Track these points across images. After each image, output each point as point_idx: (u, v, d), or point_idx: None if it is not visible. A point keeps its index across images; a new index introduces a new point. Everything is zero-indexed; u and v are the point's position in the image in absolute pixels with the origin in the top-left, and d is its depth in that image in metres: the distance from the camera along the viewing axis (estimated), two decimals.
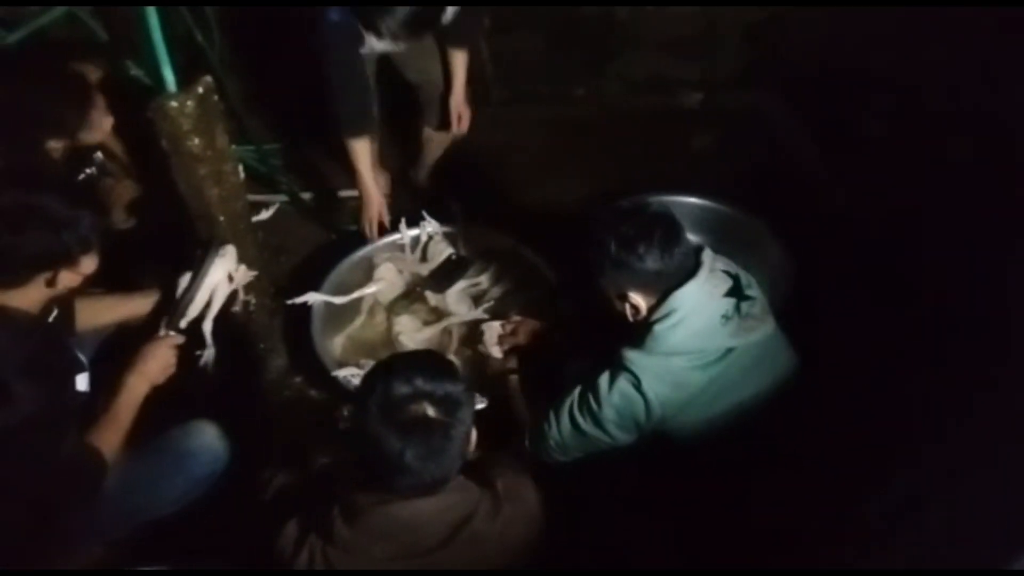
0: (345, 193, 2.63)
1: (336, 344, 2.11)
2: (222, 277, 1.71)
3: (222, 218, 1.82)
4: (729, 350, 1.43)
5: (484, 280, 2.21)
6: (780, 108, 2.94)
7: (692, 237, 1.53)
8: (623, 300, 1.46)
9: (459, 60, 2.28)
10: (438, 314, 2.17)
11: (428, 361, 1.23)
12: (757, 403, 1.49)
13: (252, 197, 2.43)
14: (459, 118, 2.36)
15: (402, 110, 2.54)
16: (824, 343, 1.66)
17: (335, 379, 1.90)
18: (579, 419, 1.52)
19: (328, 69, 2.01)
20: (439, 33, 2.16)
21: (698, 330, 1.40)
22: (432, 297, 2.16)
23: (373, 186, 2.21)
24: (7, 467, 1.33)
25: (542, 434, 1.58)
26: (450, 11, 2.05)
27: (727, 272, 1.46)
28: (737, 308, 1.43)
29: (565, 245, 2.10)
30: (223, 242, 1.76)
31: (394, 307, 2.19)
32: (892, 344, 1.74)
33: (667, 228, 1.41)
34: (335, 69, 2.01)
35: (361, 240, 2.26)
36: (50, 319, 1.49)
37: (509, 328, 1.93)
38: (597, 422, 1.49)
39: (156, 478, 1.55)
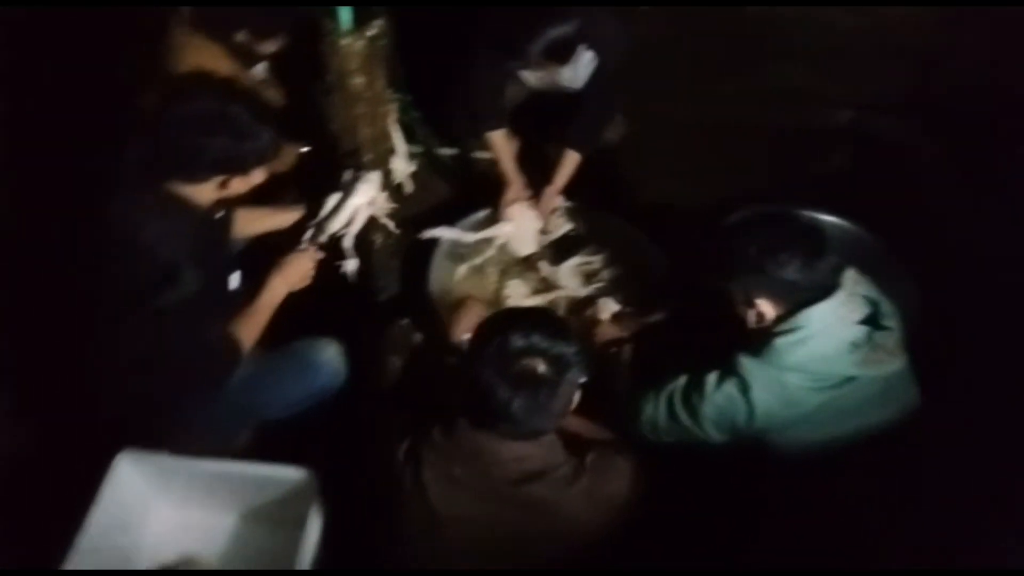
0: (479, 154, 2.70)
1: (448, 295, 2.19)
2: (365, 201, 1.82)
3: (370, 156, 1.93)
4: (850, 378, 1.39)
5: (598, 261, 2.23)
6: (929, 138, 2.80)
7: None
8: (749, 306, 1.44)
9: (570, 160, 2.26)
10: (547, 285, 2.22)
11: (547, 319, 1.30)
12: (868, 436, 1.45)
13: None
14: (546, 211, 2.29)
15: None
16: (950, 384, 1.59)
17: (443, 325, 1.98)
18: (678, 408, 1.53)
19: (475, 59, 2.09)
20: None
21: (822, 353, 1.37)
22: (545, 267, 2.21)
23: (514, 174, 2.27)
24: (161, 340, 1.48)
25: (638, 408, 1.60)
26: (583, 71, 2.06)
27: (867, 298, 1.42)
28: (869, 337, 1.39)
29: (681, 242, 2.11)
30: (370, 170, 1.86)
31: (508, 270, 2.24)
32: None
33: (814, 241, 1.38)
34: (481, 60, 2.09)
35: (490, 200, 2.32)
36: (217, 217, 1.63)
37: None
38: (695, 416, 1.50)
39: (278, 381, 1.70)
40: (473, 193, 2.55)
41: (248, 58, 2.01)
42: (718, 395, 1.46)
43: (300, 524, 1.58)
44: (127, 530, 1.72)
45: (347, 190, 1.83)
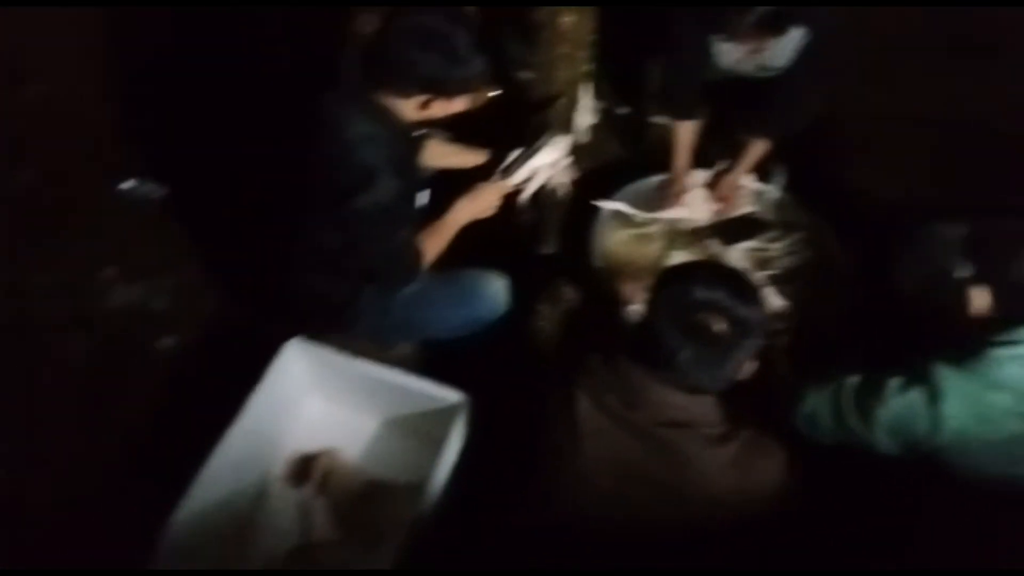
0: (658, 119, 2.62)
1: (609, 257, 2.15)
2: (548, 160, 1.83)
3: (563, 100, 1.92)
4: None
5: (775, 249, 2.11)
6: None
7: None
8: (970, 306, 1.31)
9: (758, 147, 2.12)
10: None
11: (737, 279, 1.23)
12: None
13: None
14: (723, 199, 2.18)
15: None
16: None
17: (600, 285, 1.95)
18: (846, 407, 1.42)
19: (674, 40, 2.01)
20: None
21: None
22: (714, 246, 2.12)
23: (684, 165, 2.19)
24: (351, 240, 1.56)
25: (800, 400, 1.51)
26: (789, 47, 1.90)
27: None
28: None
29: (876, 242, 1.95)
30: (560, 132, 1.87)
31: (676, 240, 2.17)
32: None
33: None
34: (679, 44, 2.00)
35: (662, 168, 2.26)
36: (413, 135, 1.67)
37: None
38: (867, 419, 1.38)
39: (444, 303, 1.75)
40: (645, 156, 2.48)
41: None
42: (899, 401, 1.34)
43: (441, 442, 1.63)
44: (281, 415, 1.83)
45: (535, 146, 1.84)
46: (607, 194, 2.18)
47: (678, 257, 2.13)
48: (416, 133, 1.66)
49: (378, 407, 1.86)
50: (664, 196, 2.21)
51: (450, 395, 1.68)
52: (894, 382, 1.37)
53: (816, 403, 1.48)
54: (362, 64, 1.52)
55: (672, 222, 2.20)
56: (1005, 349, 1.25)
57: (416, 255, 1.63)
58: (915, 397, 1.33)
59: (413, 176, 1.64)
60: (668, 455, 1.20)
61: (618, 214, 2.17)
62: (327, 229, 1.59)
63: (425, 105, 1.53)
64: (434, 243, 1.68)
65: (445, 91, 1.51)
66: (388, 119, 1.53)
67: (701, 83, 2.13)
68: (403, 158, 1.56)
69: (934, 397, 1.30)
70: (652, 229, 2.21)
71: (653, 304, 1.21)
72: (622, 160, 2.56)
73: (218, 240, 2.36)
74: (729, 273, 1.27)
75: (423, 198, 1.70)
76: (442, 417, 1.68)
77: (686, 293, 1.17)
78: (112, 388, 2.06)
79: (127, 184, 2.58)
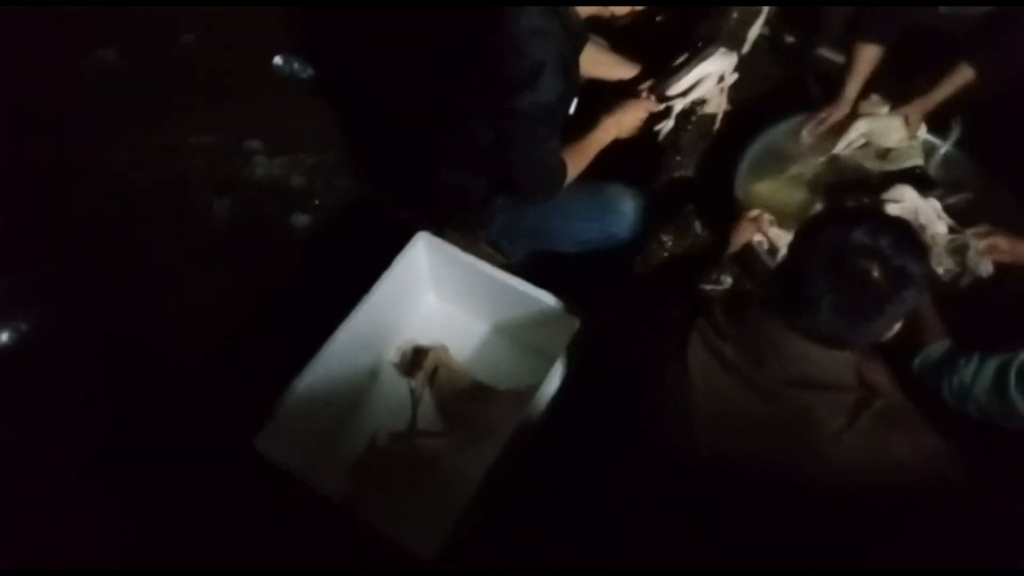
0: (826, 53, 2.40)
1: (745, 199, 2.02)
2: (715, 71, 1.70)
3: (735, 14, 1.77)
4: None
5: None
6: None
7: None
8: None
9: (959, 76, 1.84)
10: None
11: (903, 229, 1.10)
12: None
13: None
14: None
15: None
16: None
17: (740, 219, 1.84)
18: (1011, 381, 1.29)
19: None
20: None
21: None
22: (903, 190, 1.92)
23: (851, 96, 1.98)
24: (505, 141, 1.52)
25: (951, 364, 1.38)
26: None
27: None
28: None
29: None
30: (729, 45, 1.72)
31: (831, 191, 2.00)
32: None
33: None
34: None
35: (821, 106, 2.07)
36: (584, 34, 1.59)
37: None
38: None
39: (578, 215, 1.70)
40: (806, 92, 2.28)
41: None
42: None
43: (550, 356, 1.63)
44: (401, 304, 1.88)
45: (700, 56, 1.71)
46: (761, 127, 2.03)
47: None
48: (587, 34, 1.58)
49: (493, 312, 1.88)
50: (822, 128, 2.02)
51: (566, 311, 1.66)
52: None
53: (972, 376, 1.36)
54: None
55: (826, 166, 2.03)
56: None
57: (561, 169, 1.59)
58: None
59: (575, 79, 1.57)
60: (798, 420, 1.12)
61: (768, 152, 2.02)
62: (481, 125, 1.56)
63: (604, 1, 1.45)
64: (578, 159, 1.63)
65: None
66: (563, 14, 1.46)
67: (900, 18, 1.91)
68: (570, 58, 1.50)
69: None
70: (803, 172, 2.04)
71: (804, 245, 1.10)
72: (781, 92, 2.36)
73: (361, 125, 2.40)
74: (896, 222, 1.14)
75: (572, 106, 1.63)
76: (555, 332, 1.67)
77: (846, 237, 1.05)
78: (249, 256, 2.18)
79: (279, 59, 2.64)
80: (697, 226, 2.13)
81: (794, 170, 2.04)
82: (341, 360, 1.68)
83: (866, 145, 2.02)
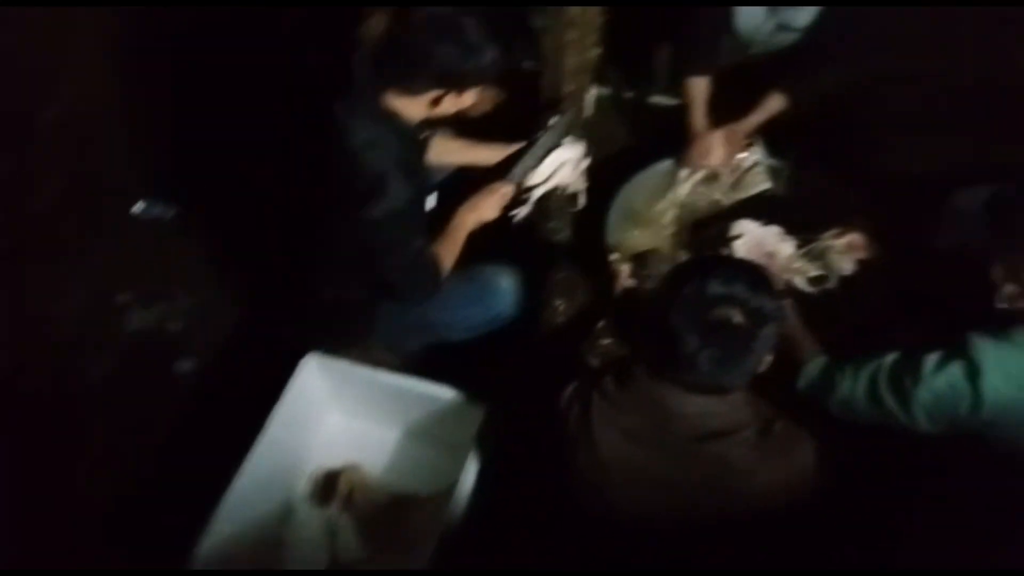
0: (659, 99, 2.56)
1: (624, 238, 2.09)
2: (569, 159, 1.77)
3: (568, 88, 1.86)
4: None
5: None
6: None
7: None
8: (1014, 282, 1.24)
9: (773, 102, 2.04)
10: None
11: (749, 269, 1.18)
12: None
13: None
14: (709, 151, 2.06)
15: None
16: None
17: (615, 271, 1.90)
18: (883, 389, 1.36)
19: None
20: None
21: None
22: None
23: (702, 123, 2.12)
24: (365, 252, 1.52)
25: (829, 380, 1.45)
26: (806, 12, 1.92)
27: None
28: None
29: (906, 210, 1.87)
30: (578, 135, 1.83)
31: (696, 228, 2.10)
32: None
33: None
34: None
35: (672, 150, 2.19)
36: (421, 137, 1.63)
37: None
38: (904, 401, 1.32)
39: (460, 303, 1.71)
40: (655, 141, 2.41)
41: None
42: (938, 379, 1.28)
43: (463, 449, 1.59)
44: (302, 433, 1.82)
45: (546, 143, 1.79)
46: (618, 183, 2.13)
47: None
48: (424, 135, 1.62)
49: (399, 417, 1.83)
50: (688, 159, 2.13)
51: (469, 400, 1.64)
52: (931, 360, 1.30)
53: (850, 388, 1.42)
54: (374, 65, 1.48)
55: (686, 206, 2.13)
56: None
57: (435, 266, 1.60)
58: (955, 374, 1.27)
59: (423, 179, 1.60)
60: (717, 470, 1.15)
61: (633, 201, 2.11)
62: (343, 239, 1.55)
63: (436, 101, 1.48)
64: (448, 251, 1.65)
65: (459, 83, 1.46)
66: (395, 122, 1.49)
67: (721, 39, 2.09)
68: (413, 161, 1.52)
69: (974, 373, 1.24)
70: (666, 215, 2.14)
71: (668, 305, 1.14)
72: (631, 147, 2.49)
73: (231, 258, 2.35)
74: (741, 264, 1.23)
75: (430, 201, 1.66)
76: (463, 424, 1.64)
77: (702, 289, 1.11)
78: (133, 413, 2.05)
79: (138, 206, 2.57)
80: (581, 286, 2.19)
81: (657, 212, 2.14)
82: (246, 508, 1.58)
83: (714, 178, 2.14)
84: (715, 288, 1.10)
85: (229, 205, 2.41)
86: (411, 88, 1.45)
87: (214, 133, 2.60)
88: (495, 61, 1.44)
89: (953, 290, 1.42)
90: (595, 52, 1.85)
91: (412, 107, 1.49)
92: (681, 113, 2.19)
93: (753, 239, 1.82)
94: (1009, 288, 1.25)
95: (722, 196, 2.12)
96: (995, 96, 2.44)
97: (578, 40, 1.74)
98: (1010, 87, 2.47)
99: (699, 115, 2.14)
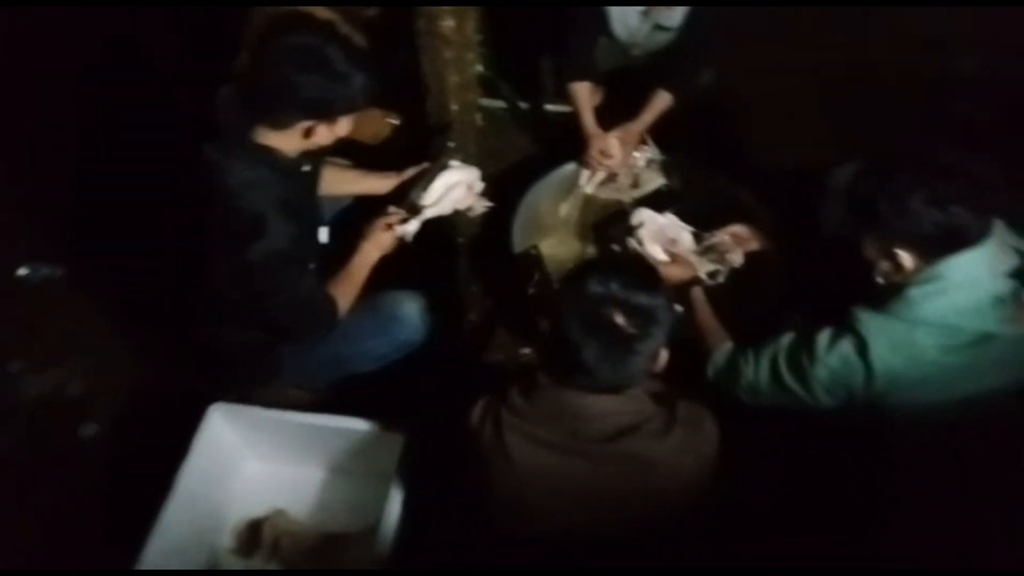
0: (552, 107, 2.60)
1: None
2: (461, 180, 1.76)
3: (455, 107, 1.85)
4: (987, 336, 1.24)
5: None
6: None
7: None
8: (885, 257, 1.30)
9: (659, 100, 2.14)
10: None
11: (630, 268, 1.20)
12: (1001, 398, 1.28)
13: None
14: (607, 152, 2.11)
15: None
16: None
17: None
18: (783, 370, 1.41)
19: (564, 8, 2.06)
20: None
21: (961, 306, 1.23)
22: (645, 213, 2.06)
23: (593, 126, 2.18)
24: (252, 294, 1.47)
25: (735, 369, 1.49)
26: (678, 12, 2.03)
27: (1018, 250, 1.26)
28: (1016, 294, 1.23)
29: (790, 197, 1.95)
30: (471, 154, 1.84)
31: (599, 227, 2.14)
32: None
33: (991, 198, 1.21)
34: (571, 10, 2.05)
35: (570, 155, 2.23)
36: (302, 171, 1.59)
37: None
38: (803, 380, 1.38)
39: (365, 334, 1.67)
40: (553, 148, 2.45)
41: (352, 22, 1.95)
42: (831, 356, 1.33)
43: (388, 478, 1.56)
44: (218, 483, 1.74)
45: (439, 166, 1.78)
46: (519, 193, 2.14)
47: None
48: (305, 168, 1.58)
49: (316, 456, 1.78)
50: (587, 161, 2.17)
51: (387, 429, 1.61)
52: (823, 338, 1.35)
53: (753, 372, 1.46)
54: (240, 101, 1.45)
55: (588, 208, 2.17)
56: (923, 287, 1.24)
57: (328, 303, 1.56)
58: (845, 350, 1.32)
59: (309, 215, 1.57)
60: (631, 466, 1.17)
61: (536, 210, 2.13)
62: (229, 283, 1.50)
63: (309, 133, 1.45)
64: (347, 287, 1.60)
65: (329, 112, 1.44)
66: (272, 159, 1.45)
67: (595, 45, 2.16)
68: (294, 198, 1.48)
69: (863, 347, 1.29)
70: (571, 219, 2.17)
71: (557, 307, 1.16)
72: (531, 157, 2.52)
73: (125, 313, 2.24)
74: (622, 263, 1.24)
75: (323, 236, 1.62)
76: (384, 454, 1.61)
77: (582, 290, 1.14)
78: (39, 481, 1.94)
79: (24, 270, 2.43)
80: (486, 301, 2.19)
81: (560, 218, 2.17)
82: (166, 569, 1.50)
83: (613, 179, 2.19)
84: (593, 288, 1.13)
85: (117, 260, 2.31)
86: (280, 121, 1.42)
87: (94, 189, 2.51)
88: (364, 88, 1.42)
89: (840, 270, 1.47)
90: (477, 69, 1.84)
91: (285, 141, 1.45)
92: (575, 119, 2.24)
93: (655, 226, 1.85)
94: (883, 264, 1.31)
95: (621, 195, 2.18)
96: (861, 83, 2.60)
97: (457, 58, 1.74)
98: (874, 74, 2.64)
99: (588, 118, 2.20)
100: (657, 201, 2.13)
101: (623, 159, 2.15)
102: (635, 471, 1.17)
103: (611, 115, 2.22)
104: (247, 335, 1.60)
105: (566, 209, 2.19)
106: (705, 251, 1.83)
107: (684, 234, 1.83)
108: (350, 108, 1.45)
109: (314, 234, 1.58)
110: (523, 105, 2.63)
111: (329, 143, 1.51)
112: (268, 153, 1.45)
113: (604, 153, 2.14)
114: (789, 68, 2.68)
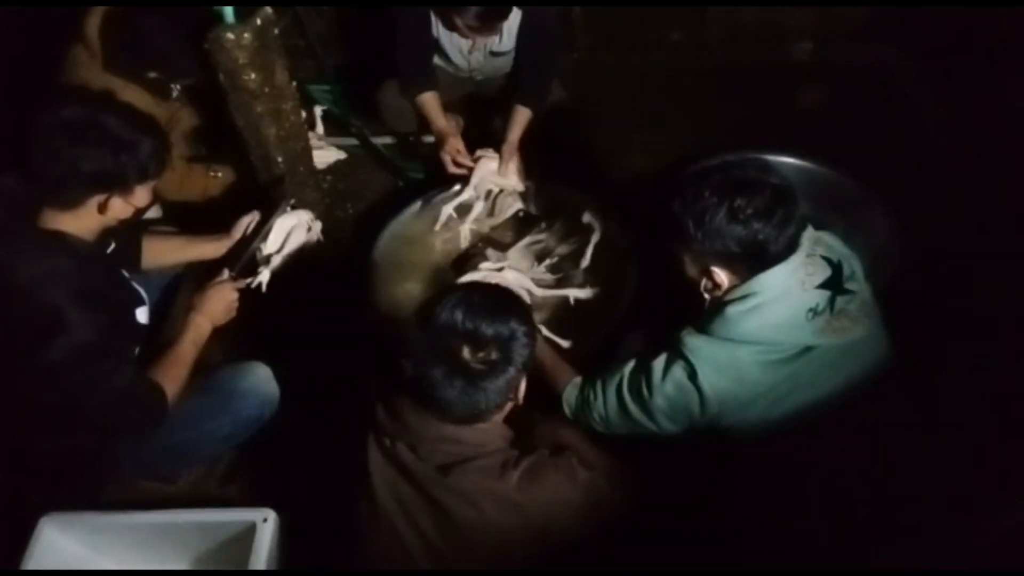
0: (415, 138, 2.53)
1: (394, 294, 2.03)
2: (297, 223, 1.72)
3: (280, 159, 1.78)
4: (808, 348, 1.23)
5: (548, 238, 2.05)
6: (905, 65, 2.62)
7: None
8: (704, 275, 1.29)
9: (520, 116, 2.13)
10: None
11: (485, 297, 1.17)
12: (831, 404, 1.27)
13: (328, 140, 2.43)
14: (507, 165, 2.11)
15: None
16: (929, 335, 1.44)
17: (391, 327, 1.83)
18: (627, 401, 1.37)
19: (395, 35, 2.05)
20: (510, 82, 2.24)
21: (777, 321, 1.22)
22: (493, 255, 2.04)
23: (444, 124, 2.16)
24: (65, 395, 1.35)
25: (586, 403, 1.45)
26: (512, 25, 2.05)
27: (827, 259, 1.25)
28: (831, 303, 1.23)
29: (645, 207, 1.95)
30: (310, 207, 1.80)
31: (457, 263, 2.08)
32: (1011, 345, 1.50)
33: (789, 209, 1.20)
34: (400, 33, 2.06)
35: (428, 189, 2.17)
36: (108, 251, 1.48)
37: None
38: (646, 409, 1.34)
39: (202, 417, 1.55)
40: (413, 182, 2.41)
41: (164, 92, 1.86)
42: (667, 384, 1.30)
43: (263, 562, 1.45)
44: None
45: (271, 217, 1.72)
46: (381, 230, 2.07)
47: (468, 279, 2.03)
48: (109, 249, 1.47)
49: (175, 552, 1.64)
50: (475, 184, 2.11)
51: (244, 516, 1.49)
52: (658, 364, 1.33)
53: (601, 403, 1.42)
54: (20, 190, 1.33)
55: (447, 242, 2.11)
56: (737, 305, 1.23)
57: (152, 391, 1.43)
58: (678, 376, 1.29)
59: (120, 299, 1.45)
60: (456, 502, 1.13)
61: (392, 256, 2.05)
62: (37, 387, 1.37)
63: (103, 208, 1.36)
64: (175, 370, 1.47)
65: (119, 183, 1.35)
66: (63, 246, 1.34)
67: (430, 61, 2.18)
68: (99, 284, 1.36)
69: (691, 371, 1.27)
70: (430, 257, 2.10)
71: (411, 336, 1.15)
72: (391, 193, 2.44)
73: None
74: (475, 292, 1.19)
75: (142, 316, 1.50)
76: (244, 541, 1.49)
77: (434, 321, 1.12)
78: None
79: None
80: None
81: (419, 257, 2.10)
82: None
83: (467, 209, 2.13)
84: (442, 318, 1.12)
85: None
86: (68, 200, 1.33)
87: None
88: (154, 153, 1.35)
89: (683, 286, 1.45)
90: (298, 118, 1.77)
91: (80, 222, 1.35)
92: (434, 149, 2.18)
93: (510, 276, 1.86)
94: (704, 282, 1.30)
95: (478, 225, 2.13)
96: (706, 78, 2.64)
97: (272, 111, 1.66)
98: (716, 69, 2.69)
99: (437, 118, 2.16)
100: (515, 227, 2.10)
101: (519, 173, 2.12)
102: (452, 505, 1.13)
103: (480, 140, 2.19)
104: (71, 439, 1.45)
105: (424, 249, 2.11)
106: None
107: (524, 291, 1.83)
108: (143, 176, 1.37)
109: (129, 318, 1.46)
110: (378, 141, 2.55)
111: (129, 216, 1.41)
112: (61, 239, 1.34)
113: (459, 151, 2.11)
114: (633, 73, 2.71)
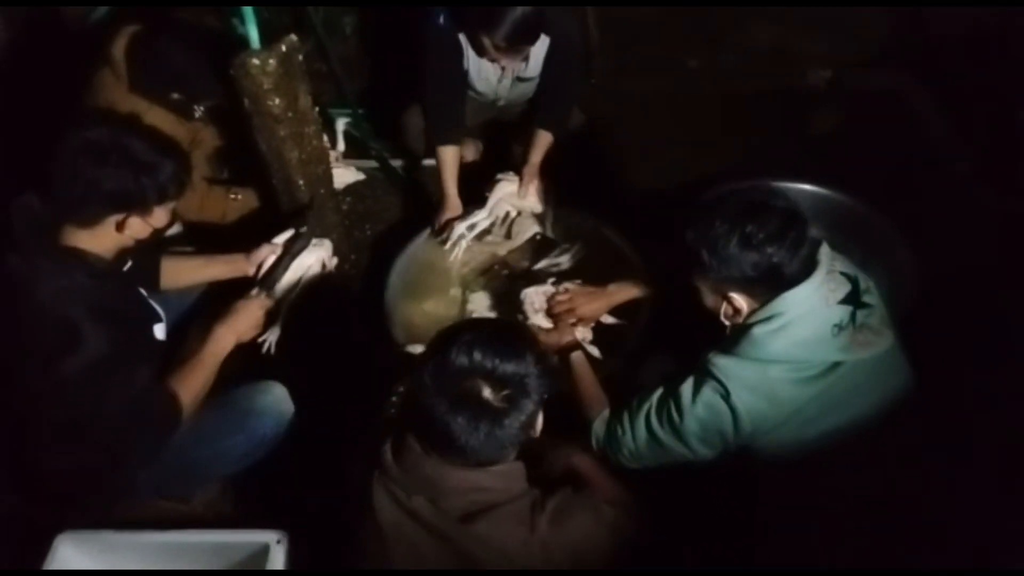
0: (429, 162, 2.56)
1: (410, 315, 2.04)
2: (315, 262, 1.74)
3: (301, 182, 1.80)
4: (836, 364, 1.24)
5: (565, 261, 2.06)
6: (920, 92, 2.63)
7: None
8: (722, 300, 1.29)
9: (542, 140, 2.15)
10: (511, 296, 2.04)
11: (497, 334, 1.11)
12: (860, 426, 1.28)
13: (348, 162, 2.46)
14: (528, 188, 2.12)
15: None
16: (950, 359, 1.43)
17: (403, 350, 1.84)
18: (657, 429, 1.36)
19: (425, 74, 2.06)
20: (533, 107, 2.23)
21: (804, 339, 1.22)
22: (510, 279, 2.05)
23: (453, 194, 2.16)
24: (77, 409, 1.36)
25: (614, 437, 1.44)
26: (539, 53, 2.05)
27: (845, 274, 1.26)
28: (852, 317, 1.23)
29: (660, 231, 1.95)
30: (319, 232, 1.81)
31: (471, 284, 2.10)
32: None
33: (799, 231, 1.22)
34: (432, 75, 2.06)
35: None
36: (124, 269, 1.50)
37: (562, 296, 1.80)
38: (678, 434, 1.34)
39: (218, 435, 1.55)
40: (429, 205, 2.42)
41: (187, 113, 1.89)
42: (698, 406, 1.30)
43: None
44: None
45: (294, 251, 1.73)
46: (399, 252, 2.08)
47: (477, 299, 2.06)
48: (127, 267, 1.49)
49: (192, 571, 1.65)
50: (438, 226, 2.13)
51: (257, 538, 1.50)
52: (687, 388, 1.32)
53: (629, 436, 1.41)
54: (42, 207, 1.36)
55: (465, 266, 2.12)
56: (765, 326, 1.23)
57: (167, 403, 1.43)
58: (709, 397, 1.29)
59: (136, 316, 1.47)
60: (480, 553, 1.09)
61: (410, 273, 2.07)
62: (51, 403, 1.38)
63: (121, 227, 1.39)
64: (194, 382, 1.48)
65: (138, 204, 1.38)
66: (81, 263, 1.37)
67: (461, 107, 2.17)
68: (114, 301, 1.38)
69: (724, 391, 1.27)
70: (450, 281, 2.11)
71: (419, 378, 1.09)
72: (408, 216, 2.47)
73: None
74: (488, 329, 1.15)
75: (159, 332, 1.52)
76: (257, 562, 1.49)
77: (445, 361, 1.06)
78: None
79: None
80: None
81: (438, 281, 2.11)
82: None
83: (487, 233, 2.15)
84: (457, 359, 1.06)
85: None
86: (87, 218, 1.35)
87: None
88: (174, 175, 1.39)
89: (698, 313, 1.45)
90: (320, 142, 1.79)
91: (98, 240, 1.38)
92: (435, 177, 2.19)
93: (539, 299, 1.86)
94: (724, 308, 1.30)
95: (497, 248, 2.14)
96: (721, 103, 2.66)
97: (294, 135, 1.69)
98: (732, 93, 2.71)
99: (449, 183, 2.16)
100: (532, 250, 2.11)
101: (540, 195, 2.13)
102: (481, 558, 1.09)
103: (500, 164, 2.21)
104: (81, 456, 1.46)
105: (442, 274, 2.12)
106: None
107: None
108: (163, 198, 1.40)
109: (146, 333, 1.47)
110: (396, 163, 2.58)
111: (147, 236, 1.44)
112: (79, 256, 1.37)
113: (449, 224, 2.10)
114: (650, 99, 2.73)
